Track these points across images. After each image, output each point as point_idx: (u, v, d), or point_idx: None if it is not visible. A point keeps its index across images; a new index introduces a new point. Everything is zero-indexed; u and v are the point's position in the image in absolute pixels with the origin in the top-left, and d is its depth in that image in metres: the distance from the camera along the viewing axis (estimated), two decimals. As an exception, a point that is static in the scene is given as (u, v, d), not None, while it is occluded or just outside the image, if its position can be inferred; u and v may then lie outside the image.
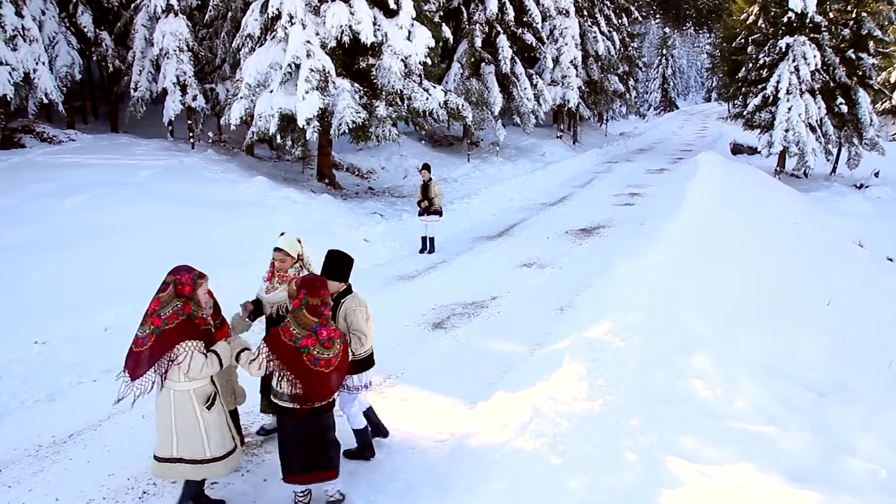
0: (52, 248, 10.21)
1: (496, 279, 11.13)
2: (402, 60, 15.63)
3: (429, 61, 16.47)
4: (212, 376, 4.72)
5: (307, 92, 14.37)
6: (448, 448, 5.64)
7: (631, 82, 41.51)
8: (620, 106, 41.75)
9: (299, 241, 5.65)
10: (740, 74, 32.87)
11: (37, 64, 16.63)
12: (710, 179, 19.93)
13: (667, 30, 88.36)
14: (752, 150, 36.31)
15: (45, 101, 17.02)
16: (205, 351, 4.56)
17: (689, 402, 6.12)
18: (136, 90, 19.06)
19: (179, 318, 4.51)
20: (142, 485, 5.30)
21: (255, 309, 5.56)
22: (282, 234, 5.62)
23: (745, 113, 30.02)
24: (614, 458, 4.91)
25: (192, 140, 18.57)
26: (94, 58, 19.96)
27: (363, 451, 5.57)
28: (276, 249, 5.51)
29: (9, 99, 16.26)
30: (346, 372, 4.91)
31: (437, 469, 5.34)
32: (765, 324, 8.61)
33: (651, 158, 31.15)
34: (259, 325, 5.89)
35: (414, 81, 16.12)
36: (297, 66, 14.79)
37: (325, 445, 4.80)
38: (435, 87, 16.68)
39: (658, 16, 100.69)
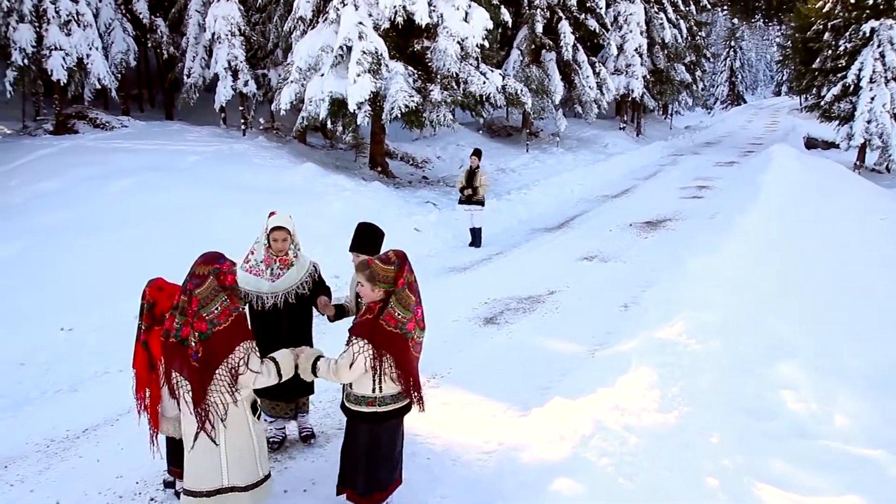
0: (91, 231, 9.87)
1: (554, 273, 10.33)
2: (458, 42, 14.91)
3: (486, 44, 15.71)
4: None
5: (358, 75, 13.77)
6: (495, 462, 4.90)
7: (698, 73, 39.81)
8: (687, 97, 40.09)
9: (291, 218, 5.02)
10: (815, 64, 31.14)
11: (90, 49, 16.53)
12: (786, 172, 18.69)
13: (735, 21, 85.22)
14: (828, 145, 34.43)
15: (98, 86, 16.91)
16: (259, 355, 3.80)
17: (778, 417, 5.25)
18: (188, 76, 18.85)
19: (232, 315, 3.66)
20: (150, 490, 4.73)
21: None
22: (272, 213, 4.97)
23: (821, 104, 28.33)
24: (693, 484, 4.10)
25: (243, 127, 18.23)
26: (149, 44, 19.83)
27: None
28: (278, 229, 4.85)
29: (62, 84, 16.18)
30: None
31: (481, 485, 4.61)
32: (860, 328, 7.61)
33: (719, 151, 29.71)
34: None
35: (470, 65, 15.38)
36: (349, 49, 14.22)
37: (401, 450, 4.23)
38: (493, 71, 15.91)
39: (726, 7, 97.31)
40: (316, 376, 3.95)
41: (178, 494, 4.57)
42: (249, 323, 4.95)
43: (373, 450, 4.02)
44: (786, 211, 13.58)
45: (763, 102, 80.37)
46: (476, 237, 12.14)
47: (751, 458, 4.56)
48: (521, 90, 16.45)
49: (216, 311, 3.62)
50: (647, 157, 26.32)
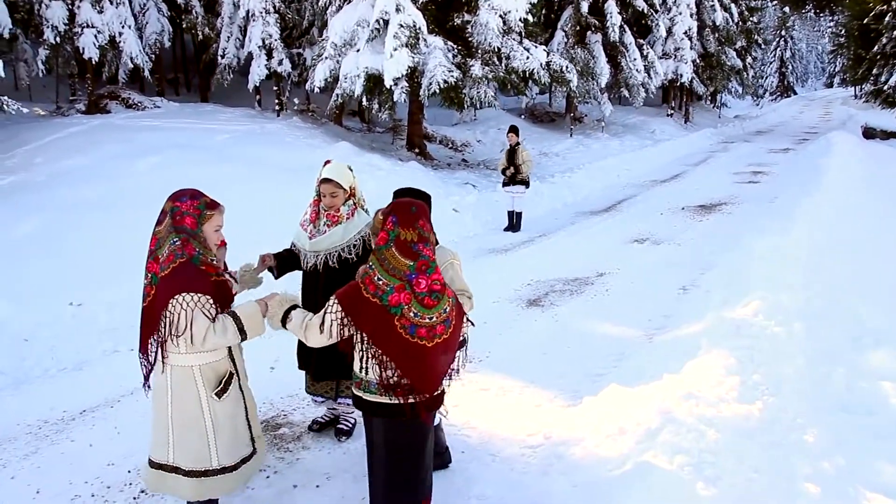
0: (112, 208, 9.41)
1: (603, 255, 9.53)
2: (500, 16, 14.10)
3: (530, 18, 14.86)
4: (230, 349, 3.33)
5: (395, 49, 13.08)
6: (541, 457, 4.17)
7: (749, 60, 38.21)
8: (736, 85, 38.51)
9: (350, 170, 4.26)
10: (875, 49, 29.60)
11: (123, 27, 16.13)
12: (849, 157, 17.57)
13: (787, 9, 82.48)
14: (887, 135, 32.68)
15: (131, 65, 16.51)
16: (213, 311, 3.14)
17: (879, 412, 4.42)
18: (223, 57, 18.35)
19: (176, 261, 3.09)
20: (142, 481, 4.11)
21: (280, 263, 4.19)
22: (327, 161, 4.26)
23: (884, 89, 26.81)
24: (789, 491, 3.33)
25: (277, 108, 17.70)
26: (184, 25, 19.39)
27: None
28: (325, 181, 4.10)
29: (94, 62, 15.84)
30: (456, 349, 3.24)
31: (525, 487, 3.90)
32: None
33: (772, 139, 28.36)
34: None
35: (513, 39, 14.58)
36: (386, 23, 13.54)
37: (424, 465, 3.22)
38: (536, 47, 15.07)
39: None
40: (285, 328, 3.20)
41: None
42: (302, 283, 4.35)
43: (369, 449, 3.25)
44: (853, 195, 12.57)
45: (814, 94, 77.76)
46: (517, 221, 11.35)
47: (855, 461, 3.76)
48: (567, 67, 15.57)
49: (164, 255, 3.13)
50: (696, 143, 25.18)
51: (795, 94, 77.18)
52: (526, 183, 11.30)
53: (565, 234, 11.08)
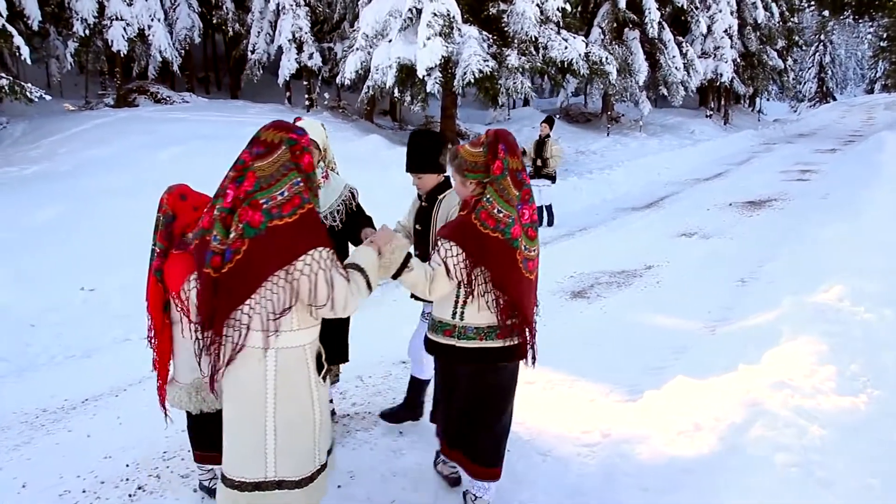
0: (132, 196, 8.99)
1: (649, 248, 8.90)
2: (537, 5, 13.56)
3: (568, 7, 14.28)
4: None
5: (429, 38, 12.59)
6: (601, 458, 3.57)
7: (789, 61, 37.12)
8: (777, 87, 37.40)
9: (323, 128, 3.81)
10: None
11: (152, 20, 15.93)
12: (905, 154, 16.64)
13: (826, 13, 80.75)
14: (936, 137, 31.59)
15: (160, 59, 16.29)
16: (342, 269, 2.47)
17: None
18: (253, 52, 18.04)
19: (303, 206, 2.35)
20: (141, 476, 3.61)
21: None
22: (297, 118, 3.77)
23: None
24: (916, 500, 2.70)
25: (308, 103, 17.31)
26: (215, 21, 19.14)
27: (408, 410, 4.02)
28: None
29: (122, 55, 15.61)
30: None
31: (585, 490, 3.30)
32: None
33: (816, 141, 27.30)
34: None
35: (551, 29, 13.99)
36: (419, 12, 13.07)
37: (508, 420, 3.05)
38: (575, 37, 14.47)
39: (812, 3, 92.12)
40: (398, 277, 2.67)
41: (207, 490, 3.38)
42: None
43: (456, 401, 2.92)
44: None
45: (854, 100, 75.68)
46: (549, 214, 10.75)
47: None
48: (606, 58, 14.94)
49: (280, 198, 2.31)
50: (737, 144, 24.29)
51: (835, 99, 75.36)
52: (552, 177, 10.72)
53: (607, 230, 10.46)
